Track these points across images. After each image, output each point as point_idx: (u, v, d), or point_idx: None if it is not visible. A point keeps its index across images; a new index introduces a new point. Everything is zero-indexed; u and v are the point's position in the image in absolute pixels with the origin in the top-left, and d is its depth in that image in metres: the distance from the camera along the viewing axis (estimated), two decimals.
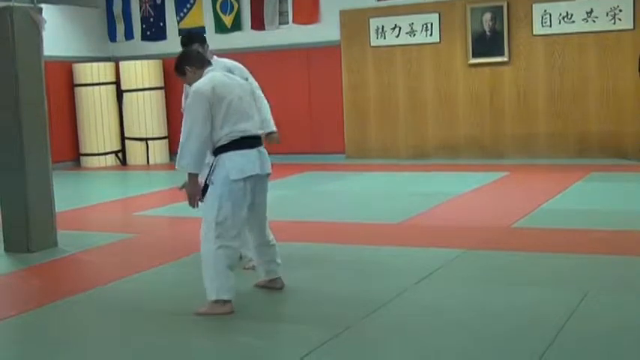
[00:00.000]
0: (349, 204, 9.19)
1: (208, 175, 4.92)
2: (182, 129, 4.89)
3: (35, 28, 7.09)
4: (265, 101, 6.08)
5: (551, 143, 12.42)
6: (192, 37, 6.06)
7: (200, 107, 4.81)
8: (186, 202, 5.00)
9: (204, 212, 4.94)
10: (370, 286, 5.45)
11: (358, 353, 4.19)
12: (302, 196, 9.87)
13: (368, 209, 8.68)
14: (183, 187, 4.97)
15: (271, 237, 5.30)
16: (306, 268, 6.03)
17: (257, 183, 5.01)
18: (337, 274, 5.84)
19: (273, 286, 5.40)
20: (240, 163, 4.88)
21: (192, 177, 4.88)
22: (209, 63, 5.16)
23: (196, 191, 4.91)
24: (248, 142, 4.95)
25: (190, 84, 5.07)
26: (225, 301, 4.89)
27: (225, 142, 4.88)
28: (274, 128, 6.05)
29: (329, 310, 4.92)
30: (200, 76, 5.02)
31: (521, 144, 12.61)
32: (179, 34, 14.69)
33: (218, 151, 4.90)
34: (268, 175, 5.12)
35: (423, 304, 5.03)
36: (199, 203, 4.95)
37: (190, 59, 5.11)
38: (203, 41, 6.02)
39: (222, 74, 5.07)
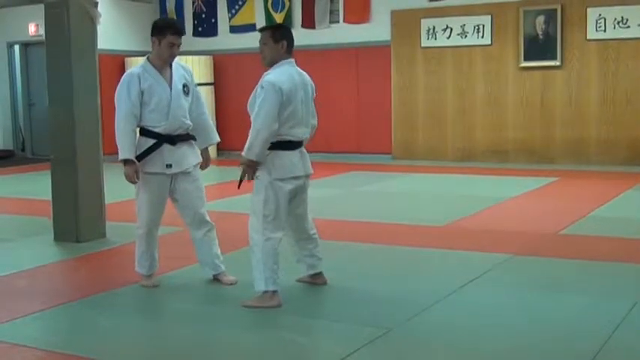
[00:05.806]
0: (395, 205, 9.16)
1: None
2: (255, 119, 4.85)
3: (91, 21, 7.19)
4: None
5: (603, 149, 12.23)
6: None
7: (275, 101, 4.84)
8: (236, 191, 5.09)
9: (251, 205, 5.02)
10: (415, 288, 5.43)
11: (402, 354, 4.17)
12: (348, 196, 9.86)
13: (414, 210, 8.65)
14: (241, 180, 5.04)
15: (313, 231, 5.33)
16: (351, 267, 6.04)
17: (298, 183, 5.07)
18: (382, 275, 5.83)
19: (315, 281, 5.42)
20: (284, 163, 4.96)
21: (252, 163, 4.90)
22: (291, 55, 5.11)
23: (253, 167, 4.92)
24: (293, 144, 5.03)
25: (266, 59, 5.02)
26: (273, 294, 4.93)
27: (273, 141, 4.92)
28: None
29: (373, 310, 4.91)
30: (277, 60, 4.99)
31: (571, 149, 12.44)
32: (230, 31, 14.82)
33: None
34: (309, 175, 5.18)
35: (468, 307, 4.99)
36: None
37: (291, 38, 5.07)
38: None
39: (297, 72, 5.07)
